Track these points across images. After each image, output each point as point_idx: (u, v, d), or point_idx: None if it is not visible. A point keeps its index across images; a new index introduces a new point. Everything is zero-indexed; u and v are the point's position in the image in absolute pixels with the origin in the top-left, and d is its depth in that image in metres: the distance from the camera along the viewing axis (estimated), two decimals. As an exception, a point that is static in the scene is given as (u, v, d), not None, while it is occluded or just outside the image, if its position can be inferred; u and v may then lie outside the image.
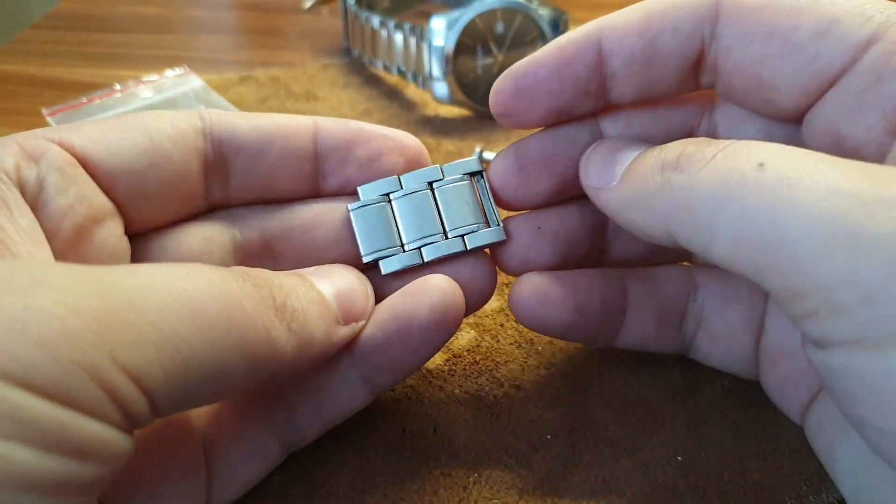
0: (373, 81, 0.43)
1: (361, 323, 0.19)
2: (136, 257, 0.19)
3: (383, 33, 0.39)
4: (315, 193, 0.21)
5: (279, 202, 0.21)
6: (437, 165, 0.21)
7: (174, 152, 0.19)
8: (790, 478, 0.21)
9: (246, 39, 0.49)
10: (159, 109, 0.20)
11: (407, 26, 0.37)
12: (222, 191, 0.20)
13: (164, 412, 0.14)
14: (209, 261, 0.20)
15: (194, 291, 0.14)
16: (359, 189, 0.21)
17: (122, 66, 0.44)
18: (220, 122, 0.20)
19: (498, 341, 0.25)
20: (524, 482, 0.21)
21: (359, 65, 0.45)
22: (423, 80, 0.38)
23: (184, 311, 0.14)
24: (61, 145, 0.17)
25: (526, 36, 0.37)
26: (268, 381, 0.17)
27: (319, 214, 0.21)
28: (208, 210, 0.21)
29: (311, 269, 0.20)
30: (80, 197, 0.17)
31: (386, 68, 0.41)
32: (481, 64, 0.37)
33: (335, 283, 0.19)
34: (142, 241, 0.19)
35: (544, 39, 0.37)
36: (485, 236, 0.21)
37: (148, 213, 0.19)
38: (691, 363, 0.24)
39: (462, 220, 0.21)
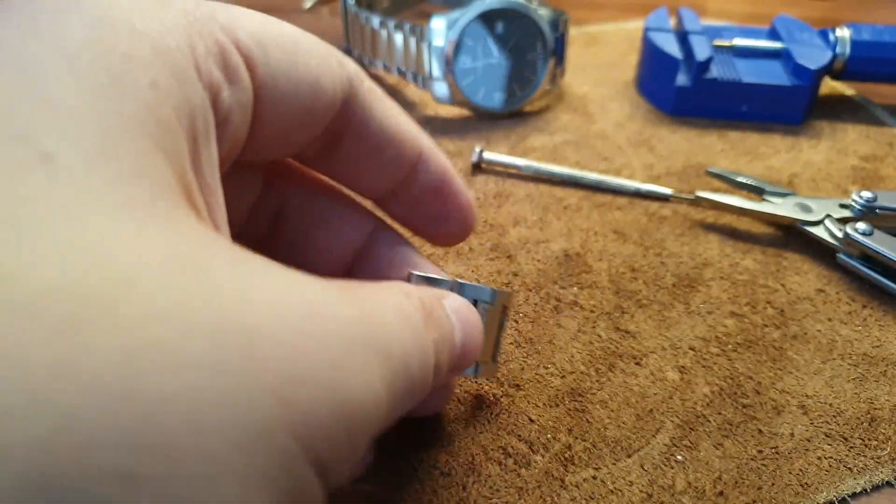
0: (373, 82, 0.43)
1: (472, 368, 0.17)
2: None
3: (383, 33, 0.39)
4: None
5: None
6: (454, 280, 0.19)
7: (326, 105, 0.16)
8: (789, 478, 0.21)
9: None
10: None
11: (407, 26, 0.37)
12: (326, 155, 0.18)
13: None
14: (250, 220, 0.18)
15: (401, 331, 0.12)
16: None
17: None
18: (364, 99, 0.17)
19: (498, 341, 0.25)
20: (524, 482, 0.21)
21: (359, 65, 0.45)
22: (423, 81, 0.38)
23: (397, 363, 0.12)
24: (248, 66, 0.13)
25: (526, 36, 0.37)
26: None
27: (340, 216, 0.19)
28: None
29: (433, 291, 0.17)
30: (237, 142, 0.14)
31: (386, 68, 0.41)
32: (482, 64, 0.37)
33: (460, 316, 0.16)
34: None
35: (544, 40, 0.37)
36: (482, 370, 0.21)
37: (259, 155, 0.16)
38: (690, 363, 0.24)
39: None
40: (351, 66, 0.17)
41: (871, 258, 0.28)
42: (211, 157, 0.12)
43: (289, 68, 0.15)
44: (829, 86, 0.43)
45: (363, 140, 0.18)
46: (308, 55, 0.15)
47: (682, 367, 0.24)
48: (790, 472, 0.21)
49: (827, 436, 0.22)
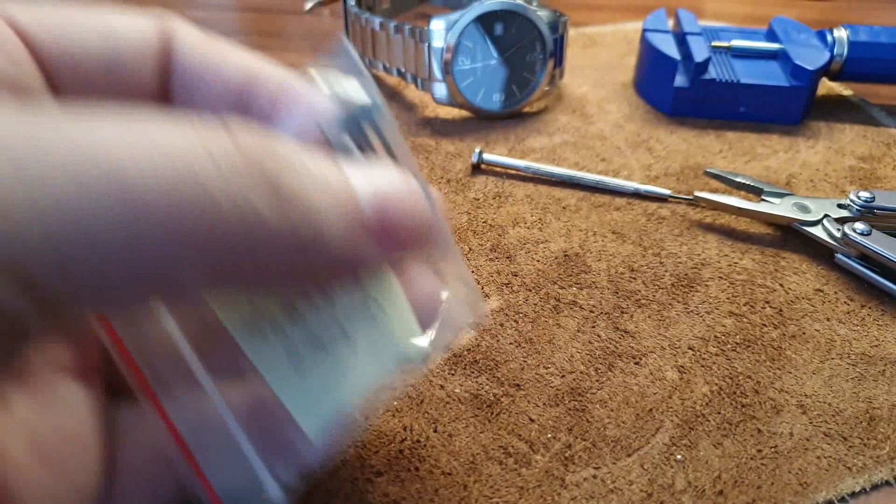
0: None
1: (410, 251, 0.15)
2: None
3: (383, 35, 0.39)
4: None
5: None
6: None
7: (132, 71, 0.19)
8: (789, 477, 0.21)
9: (247, 41, 0.49)
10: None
11: (407, 28, 0.37)
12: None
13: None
14: None
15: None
16: None
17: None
18: (181, 37, 0.20)
19: (498, 341, 0.25)
20: (524, 482, 0.21)
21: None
22: (423, 82, 0.38)
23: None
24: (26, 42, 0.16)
25: (525, 38, 0.37)
26: (258, 271, 0.13)
27: None
28: None
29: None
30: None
31: (386, 70, 0.41)
32: (481, 66, 0.37)
33: (374, 176, 0.14)
34: None
35: (543, 41, 0.37)
36: None
37: None
38: (689, 362, 0.24)
39: None
40: (167, 17, 0.20)
41: (869, 258, 0.28)
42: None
43: (70, 30, 0.17)
44: (826, 86, 0.44)
45: (187, 71, 0.20)
46: (94, 15, 0.18)
47: (681, 366, 0.24)
48: (789, 472, 0.21)
49: (826, 435, 0.22)
